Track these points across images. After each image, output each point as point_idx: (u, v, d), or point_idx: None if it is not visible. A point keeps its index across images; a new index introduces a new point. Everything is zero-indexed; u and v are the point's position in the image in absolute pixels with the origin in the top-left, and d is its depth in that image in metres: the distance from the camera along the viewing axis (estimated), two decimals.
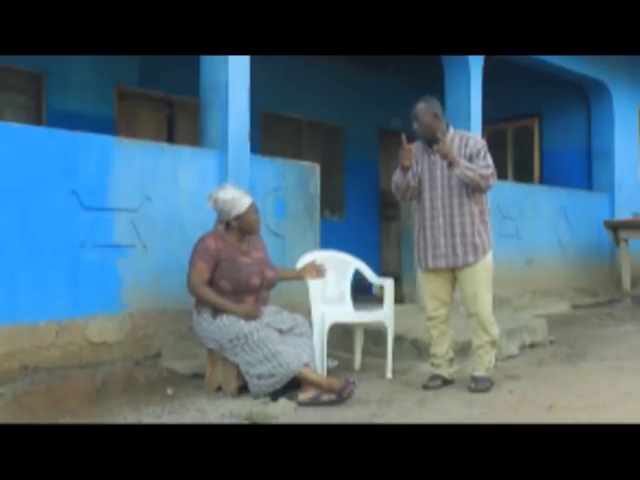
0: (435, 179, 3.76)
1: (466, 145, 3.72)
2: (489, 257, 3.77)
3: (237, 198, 3.73)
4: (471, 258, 3.69)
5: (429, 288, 3.84)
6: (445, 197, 3.72)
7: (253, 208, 3.78)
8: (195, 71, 4.75)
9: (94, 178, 3.92)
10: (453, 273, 3.80)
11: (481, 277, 3.73)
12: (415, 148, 3.83)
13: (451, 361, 3.87)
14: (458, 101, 6.46)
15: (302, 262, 4.17)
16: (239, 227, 3.75)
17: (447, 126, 3.79)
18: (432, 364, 3.88)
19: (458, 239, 3.71)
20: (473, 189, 3.72)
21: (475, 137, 3.89)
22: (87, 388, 3.54)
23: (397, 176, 3.81)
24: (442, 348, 3.83)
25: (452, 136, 3.76)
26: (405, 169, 3.74)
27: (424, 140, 3.79)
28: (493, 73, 6.87)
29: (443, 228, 3.73)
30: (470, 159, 3.68)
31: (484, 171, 3.64)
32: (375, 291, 6.52)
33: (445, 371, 3.84)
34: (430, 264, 3.78)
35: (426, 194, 3.78)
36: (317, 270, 4.08)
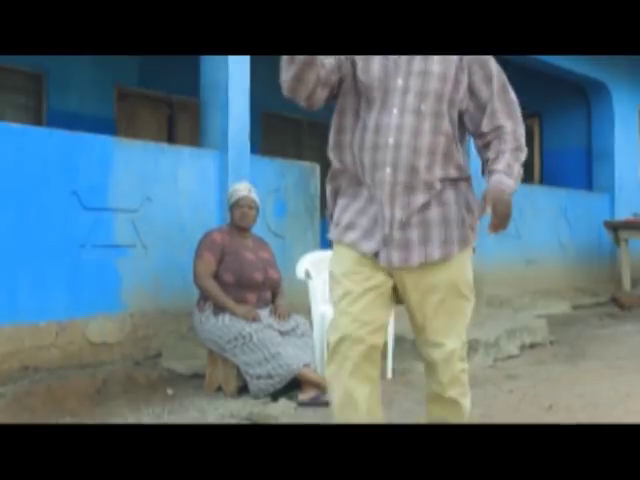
0: (390, 93, 2.03)
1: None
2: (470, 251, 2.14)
3: (236, 189, 3.87)
4: (455, 248, 2.04)
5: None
6: (405, 133, 1.99)
7: (244, 201, 3.83)
8: (195, 71, 4.75)
9: (94, 178, 3.92)
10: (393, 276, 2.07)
11: (467, 283, 2.12)
12: None
13: None
14: None
15: (302, 262, 4.17)
16: (231, 218, 3.84)
17: None
18: None
19: (431, 217, 2.03)
20: (463, 133, 2.15)
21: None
22: (87, 388, 3.54)
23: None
24: None
25: None
26: None
27: None
28: None
29: (400, 196, 2.00)
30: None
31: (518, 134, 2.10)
32: None
33: None
34: (385, 258, 2.02)
35: (370, 122, 2.03)
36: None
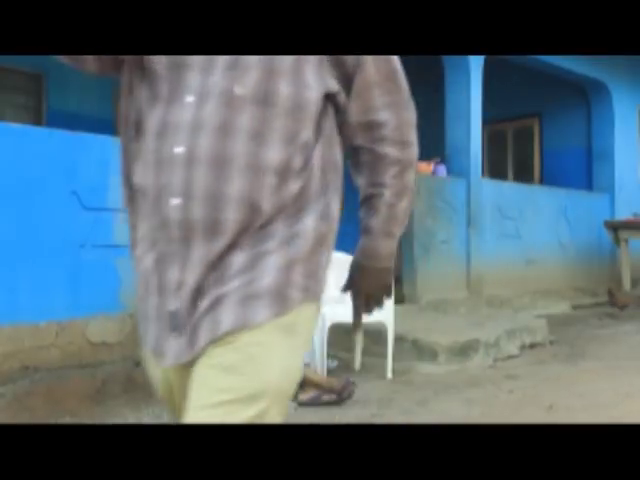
0: (183, 70, 1.31)
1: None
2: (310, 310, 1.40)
3: None
4: (264, 309, 1.22)
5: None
6: (205, 136, 1.16)
7: None
8: None
9: (94, 178, 3.92)
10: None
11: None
12: None
13: None
14: (458, 101, 6.46)
15: None
16: None
17: None
18: None
19: (232, 260, 1.18)
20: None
21: None
22: (87, 388, 3.54)
23: None
24: None
25: None
26: None
27: None
28: (493, 73, 6.87)
29: (196, 247, 1.18)
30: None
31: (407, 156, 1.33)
32: None
33: None
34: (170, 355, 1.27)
35: (153, 121, 1.23)
36: None
